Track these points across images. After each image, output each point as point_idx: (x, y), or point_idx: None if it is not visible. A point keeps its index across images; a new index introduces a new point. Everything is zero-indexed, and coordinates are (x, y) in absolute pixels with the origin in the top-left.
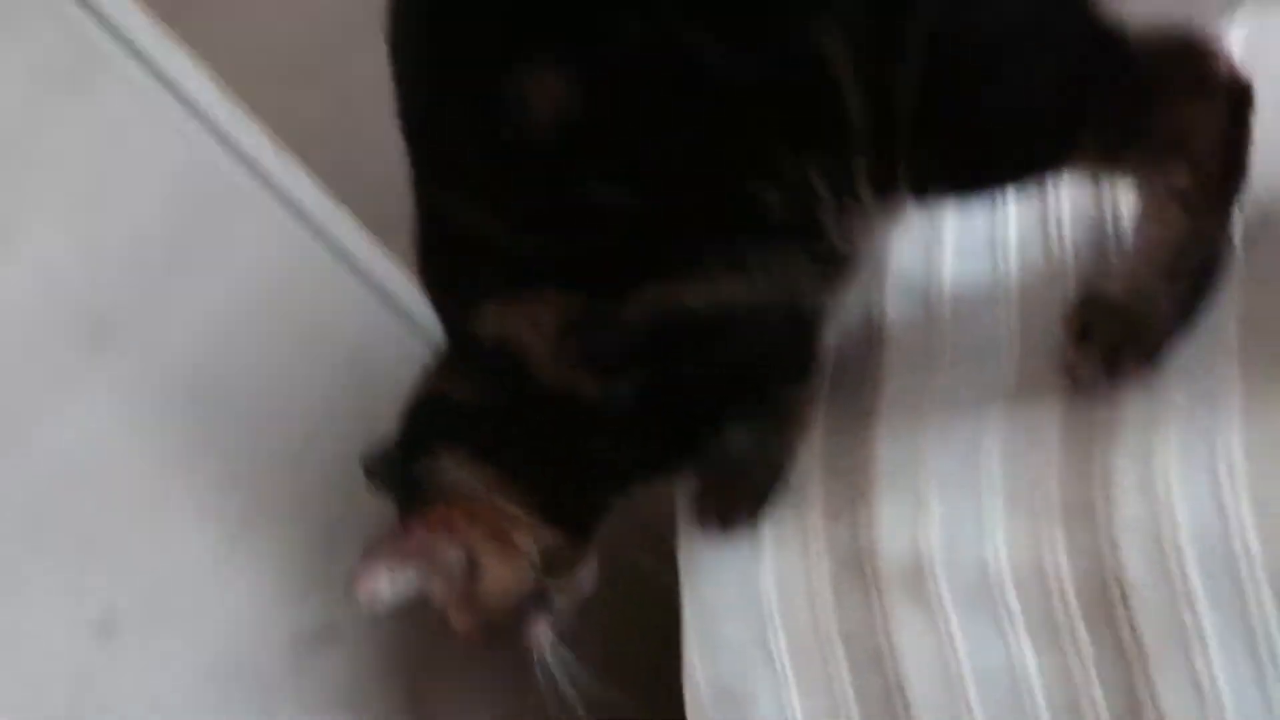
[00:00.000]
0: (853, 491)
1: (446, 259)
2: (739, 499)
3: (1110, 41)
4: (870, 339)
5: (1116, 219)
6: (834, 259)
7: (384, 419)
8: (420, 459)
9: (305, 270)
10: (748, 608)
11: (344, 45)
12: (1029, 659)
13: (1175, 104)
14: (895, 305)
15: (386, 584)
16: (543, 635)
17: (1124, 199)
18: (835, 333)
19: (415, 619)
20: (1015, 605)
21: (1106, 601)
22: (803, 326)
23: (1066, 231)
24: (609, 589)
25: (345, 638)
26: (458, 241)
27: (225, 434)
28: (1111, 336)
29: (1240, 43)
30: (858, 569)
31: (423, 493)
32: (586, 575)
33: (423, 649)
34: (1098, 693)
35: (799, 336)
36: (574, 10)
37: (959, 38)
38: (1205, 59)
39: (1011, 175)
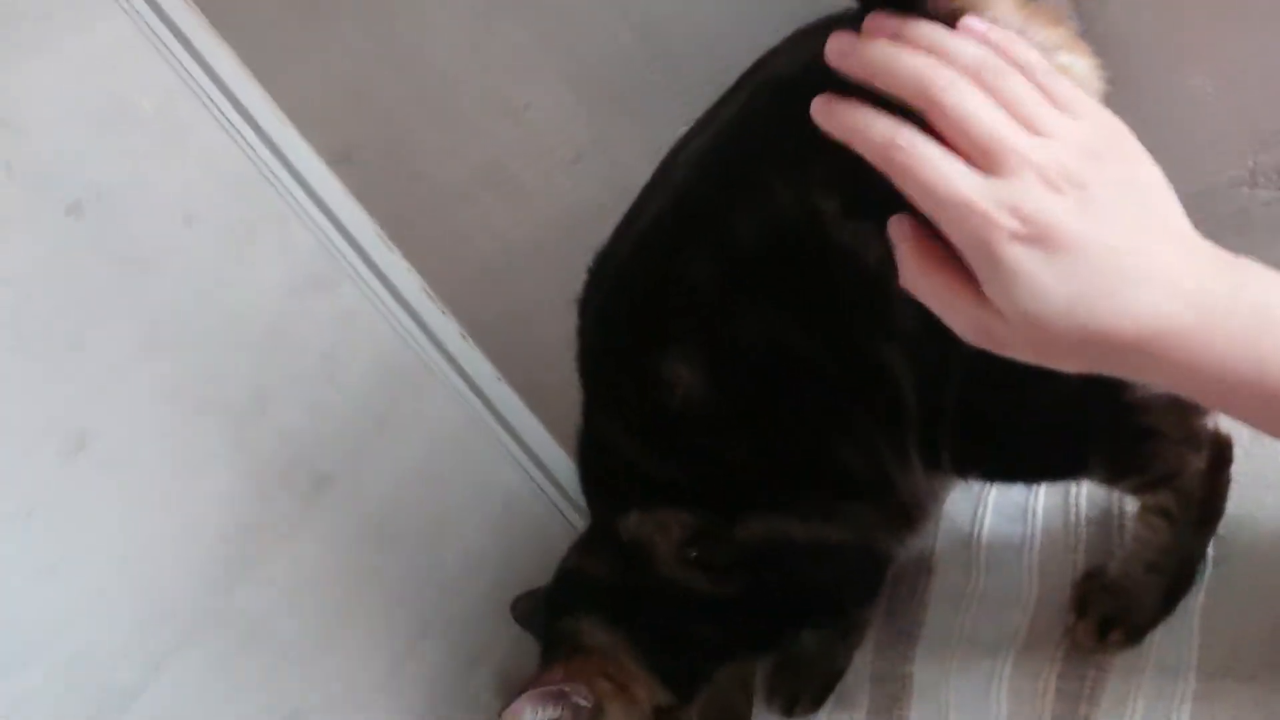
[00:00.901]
0: (893, 699)
1: (604, 470)
2: (802, 690)
3: (1115, 395)
4: (921, 570)
5: (1123, 511)
6: (903, 515)
7: (525, 564)
8: (564, 618)
9: (475, 435)
10: None
11: (527, 270)
12: None
13: (1167, 450)
14: (944, 546)
15: (528, 716)
16: None
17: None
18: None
19: None
20: None
21: None
22: (875, 565)
23: (1084, 512)
24: None
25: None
26: (614, 461)
27: (398, 568)
28: (1104, 611)
29: None
30: None
31: (565, 645)
32: None
33: None
34: None
35: (871, 572)
36: (703, 317)
37: (989, 377)
38: (1196, 416)
39: (1028, 479)
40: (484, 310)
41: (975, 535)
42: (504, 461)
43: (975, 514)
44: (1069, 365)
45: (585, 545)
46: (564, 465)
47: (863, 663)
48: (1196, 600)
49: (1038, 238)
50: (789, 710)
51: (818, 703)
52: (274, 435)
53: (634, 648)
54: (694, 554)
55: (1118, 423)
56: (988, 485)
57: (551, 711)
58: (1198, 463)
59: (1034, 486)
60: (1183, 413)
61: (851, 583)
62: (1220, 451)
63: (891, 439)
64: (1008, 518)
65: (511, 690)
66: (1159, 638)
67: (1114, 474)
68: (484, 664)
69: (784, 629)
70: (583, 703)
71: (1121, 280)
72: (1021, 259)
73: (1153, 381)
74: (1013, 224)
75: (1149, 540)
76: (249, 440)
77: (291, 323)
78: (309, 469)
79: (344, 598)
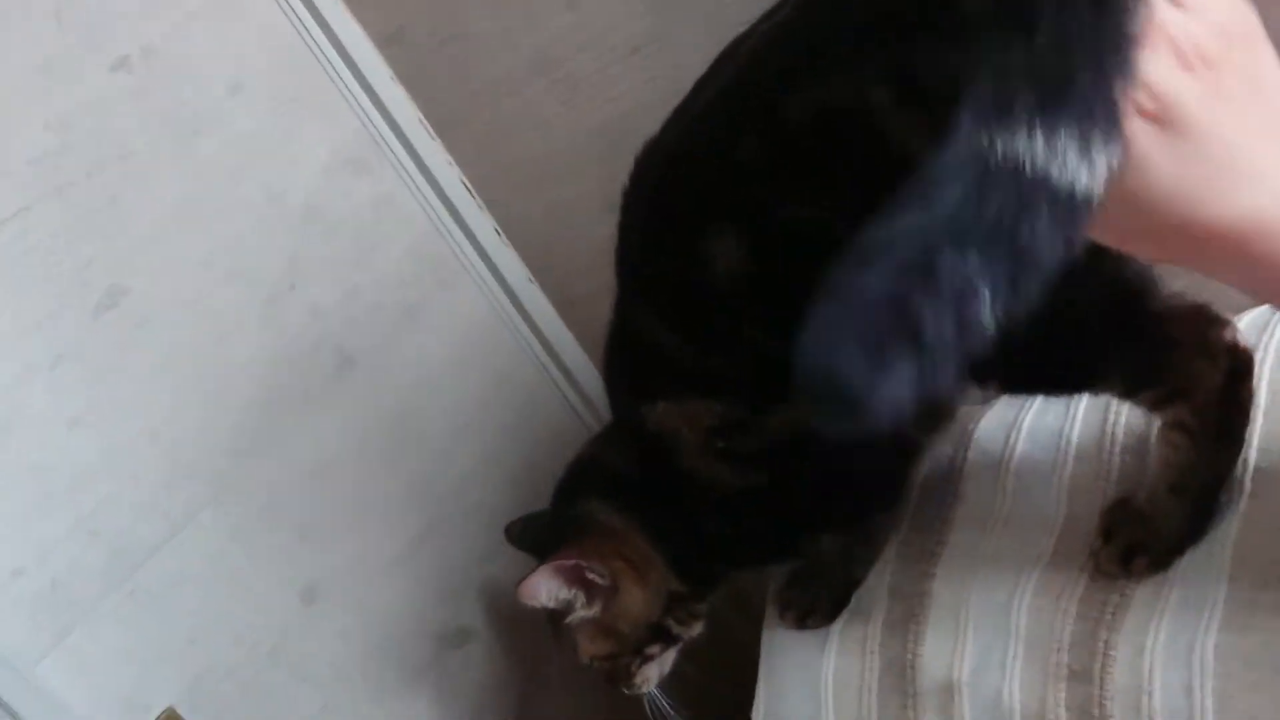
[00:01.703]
0: (909, 613)
1: (632, 360)
2: (817, 601)
3: (1136, 305)
4: (947, 492)
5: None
6: (929, 412)
7: (540, 468)
8: (576, 503)
9: (502, 333)
10: (809, 690)
11: (571, 168)
12: None
13: (1184, 361)
14: (973, 471)
15: (544, 591)
16: (652, 676)
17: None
18: (920, 480)
19: (535, 641)
20: None
21: None
22: (902, 458)
23: (1119, 441)
24: (704, 650)
25: (478, 642)
26: (646, 353)
27: (418, 457)
28: (1130, 538)
29: None
30: (901, 676)
31: (577, 528)
32: (698, 624)
33: (537, 664)
34: None
35: (898, 467)
36: (747, 196)
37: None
38: (1213, 325)
39: (1045, 389)
40: (522, 209)
41: (1006, 460)
42: (529, 364)
43: (1007, 440)
44: (1146, 251)
45: (603, 438)
46: (589, 374)
47: (881, 576)
48: (1229, 530)
49: (1161, 117)
50: (802, 621)
51: (833, 614)
52: (303, 312)
53: (649, 535)
54: (722, 444)
55: (1138, 332)
56: (1023, 411)
57: (567, 590)
58: (1214, 375)
59: (1071, 412)
60: (1202, 324)
61: (877, 478)
62: (1238, 365)
63: None
64: (1041, 444)
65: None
66: (1186, 566)
67: (1131, 386)
68: (497, 559)
69: (803, 532)
70: (600, 581)
71: (1234, 175)
72: (1138, 136)
73: (1228, 279)
74: (1138, 98)
75: (1170, 459)
76: (278, 315)
77: (328, 202)
78: (335, 349)
79: (363, 481)
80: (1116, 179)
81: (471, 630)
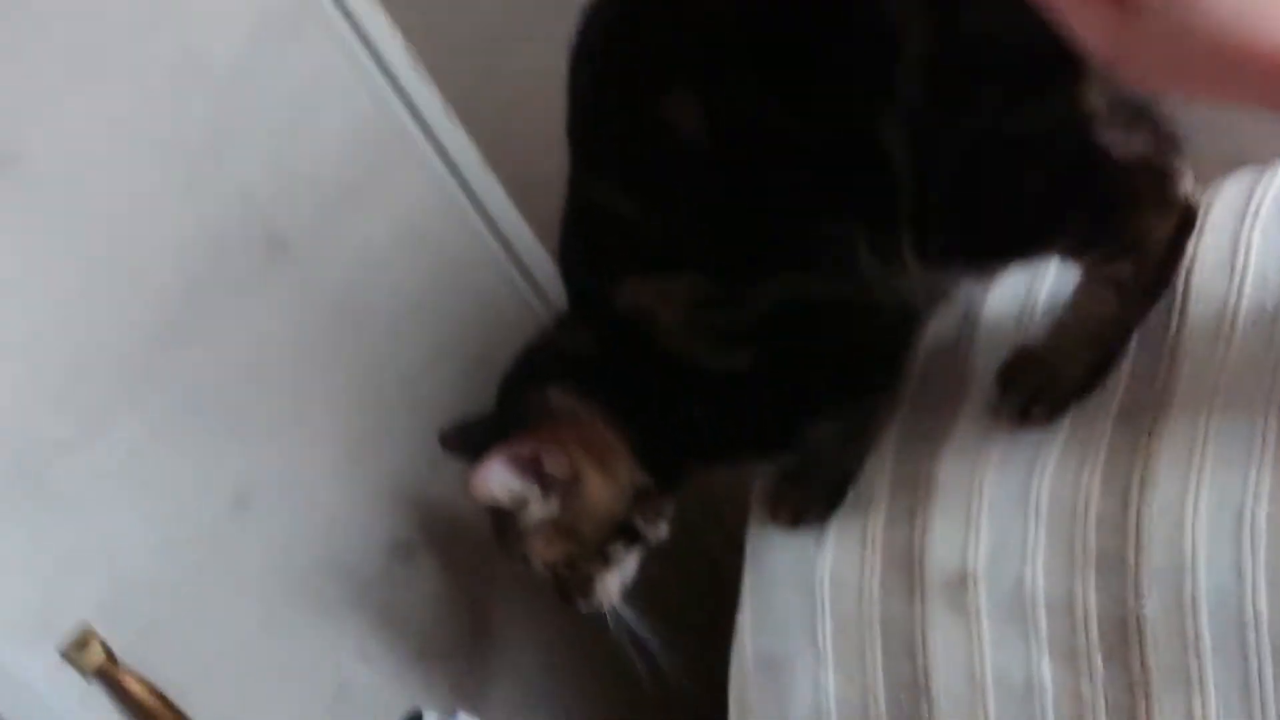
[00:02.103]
0: (914, 502)
1: (593, 238)
2: (811, 497)
3: (1096, 158)
4: (952, 373)
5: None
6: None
7: (493, 364)
8: (527, 389)
9: (450, 219)
10: (803, 589)
11: (522, 34)
12: (1046, 675)
13: (1140, 214)
14: (983, 348)
15: (496, 482)
16: (613, 587)
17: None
18: (921, 361)
19: (491, 554)
20: (1043, 626)
21: (1124, 638)
22: (899, 334)
23: None
24: (672, 561)
25: (429, 554)
26: (608, 226)
27: (361, 352)
28: (1028, 386)
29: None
30: (906, 569)
31: (535, 416)
32: (664, 525)
33: (493, 579)
34: (1102, 716)
35: (894, 342)
36: (707, 58)
37: (994, 143)
38: (1169, 178)
39: (1007, 254)
40: (472, 86)
41: (1024, 324)
42: (480, 253)
43: (1021, 313)
44: (1190, 88)
45: (558, 325)
46: (546, 266)
47: (879, 465)
48: (1271, 389)
49: None
50: (797, 520)
51: (830, 510)
52: (230, 188)
53: (614, 422)
54: (703, 322)
55: (1101, 185)
56: (1036, 283)
57: (522, 482)
58: (1165, 229)
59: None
60: (1160, 176)
61: (873, 353)
62: (1188, 219)
63: (875, 224)
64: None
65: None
66: (1225, 428)
67: (1085, 240)
68: (449, 464)
69: (793, 419)
70: (559, 473)
71: None
72: None
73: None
74: None
75: (1092, 313)
76: (202, 189)
77: (257, 67)
78: (266, 230)
79: (300, 377)
80: (1172, 10)
81: (421, 542)
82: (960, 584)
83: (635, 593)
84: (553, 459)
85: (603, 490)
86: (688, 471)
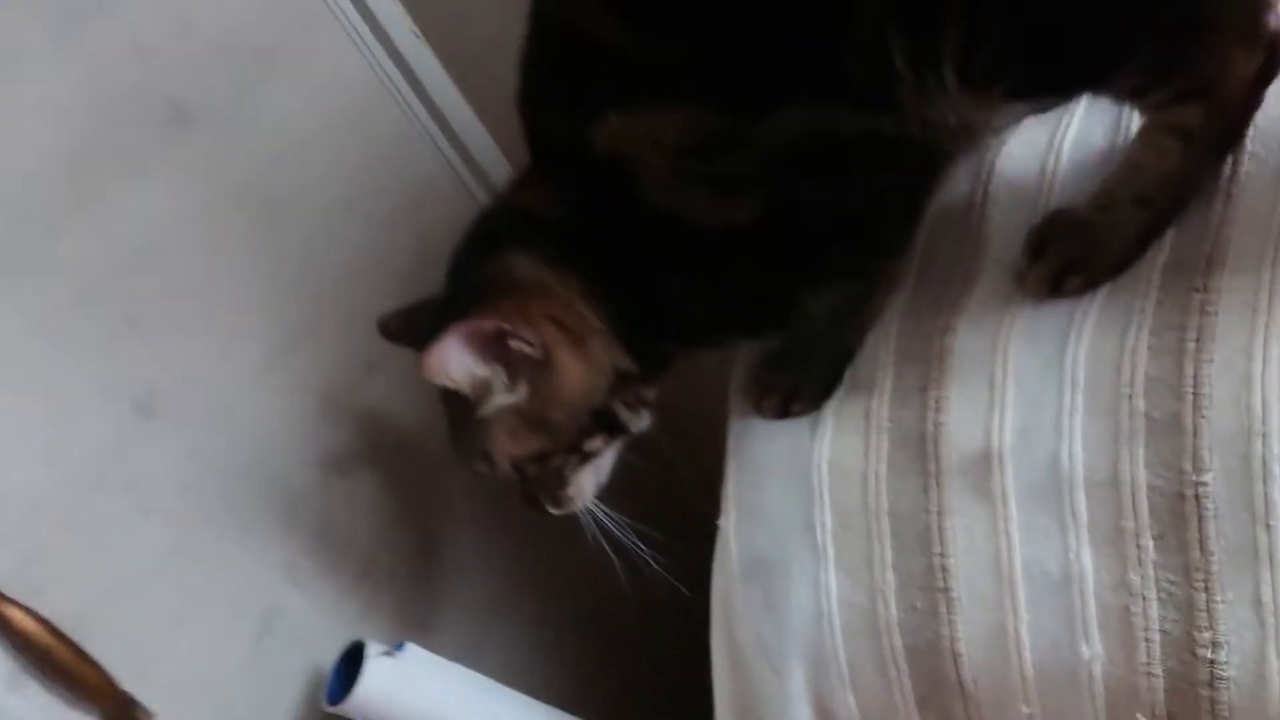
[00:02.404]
0: (925, 378)
1: (566, 71)
2: (803, 380)
3: None
4: (967, 235)
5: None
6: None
7: (432, 256)
8: (492, 261)
9: (379, 93)
10: (797, 480)
11: None
12: (1086, 564)
13: (1222, 46)
14: (1000, 207)
15: (455, 363)
16: (588, 485)
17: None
18: (927, 227)
19: (443, 465)
20: (1082, 508)
21: (1180, 516)
22: (922, 179)
23: None
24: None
25: (370, 468)
26: (584, 54)
27: (283, 243)
28: (1064, 254)
29: None
30: (918, 453)
31: (498, 288)
32: (647, 414)
33: (441, 492)
34: (1154, 607)
35: (916, 189)
36: None
37: None
38: (1260, 9)
39: (1061, 82)
40: None
41: (1042, 195)
42: (415, 133)
43: (1044, 168)
44: None
45: (520, 184)
46: (486, 148)
47: (882, 340)
48: None
49: None
50: (785, 408)
51: (824, 395)
52: (119, 46)
53: (590, 294)
54: (699, 165)
55: (1181, 6)
56: (1059, 132)
57: (485, 365)
58: (1247, 68)
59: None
60: (1253, 6)
61: (894, 201)
62: (1272, 60)
63: (918, 43)
64: (1089, 163)
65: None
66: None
67: (1157, 71)
68: (388, 366)
69: (796, 285)
70: (529, 351)
71: None
72: None
73: None
74: None
75: (1149, 168)
76: (89, 45)
77: None
78: (166, 97)
79: (212, 268)
80: None
81: (359, 453)
82: (983, 466)
83: (612, 490)
84: (520, 337)
85: (579, 373)
86: (673, 353)
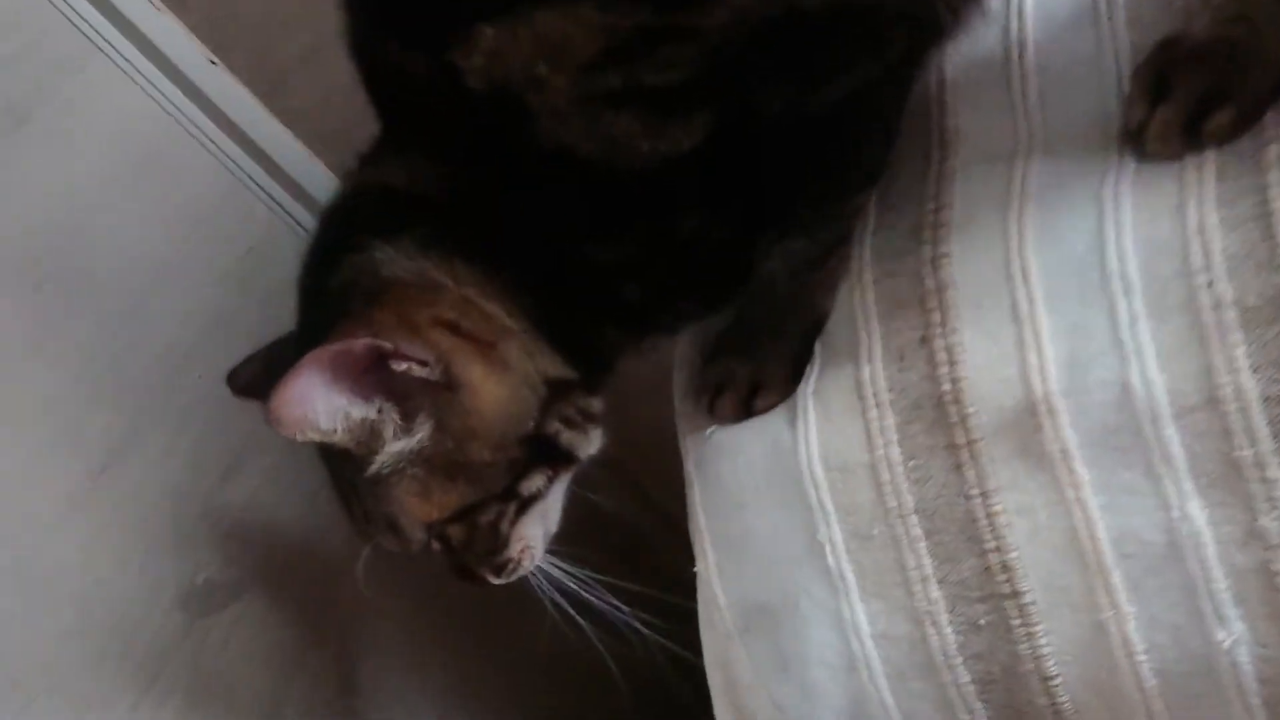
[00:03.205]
0: (924, 326)
1: None
2: (764, 368)
3: None
4: (932, 137)
5: None
6: None
7: (286, 313)
8: (350, 261)
9: (179, 136)
10: (784, 494)
11: None
12: (1198, 519)
13: None
14: (965, 91)
15: (318, 408)
16: (536, 538)
17: None
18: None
19: (337, 568)
20: (1175, 447)
21: None
22: (904, 72)
23: None
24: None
25: (251, 588)
26: None
27: (84, 329)
28: (1199, 85)
29: None
30: (938, 422)
31: (363, 295)
32: (595, 431)
33: (351, 588)
34: None
35: (897, 85)
36: None
37: None
38: None
39: None
40: None
41: (1015, 58)
42: (225, 169)
43: (1008, 31)
44: None
45: (373, 154)
46: (319, 176)
47: (858, 293)
48: None
49: None
50: (746, 405)
51: (795, 379)
52: None
53: (490, 282)
54: (619, 79)
55: None
56: None
57: (361, 400)
58: None
59: None
60: None
61: (877, 100)
62: None
63: None
64: (1064, 14)
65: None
66: None
67: None
68: (247, 456)
69: (753, 235)
70: (418, 371)
71: None
72: None
73: None
74: None
75: None
76: None
77: None
78: None
79: None
80: None
81: (234, 576)
82: (1028, 421)
83: (569, 538)
84: (406, 355)
85: (495, 391)
86: (616, 343)
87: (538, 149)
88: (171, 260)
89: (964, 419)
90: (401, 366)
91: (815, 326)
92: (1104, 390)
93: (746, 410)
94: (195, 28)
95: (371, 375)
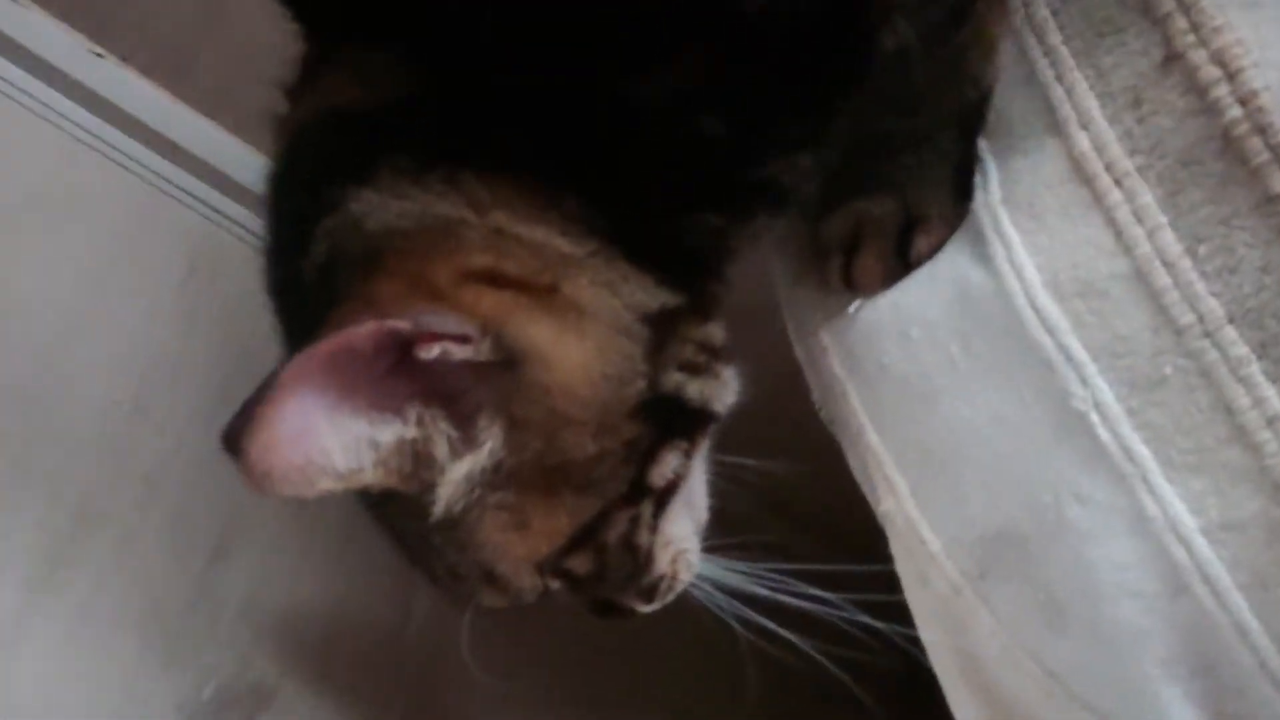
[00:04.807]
0: (1161, 39)
1: None
2: (919, 197)
3: None
4: None
5: None
6: None
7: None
8: (313, 235)
9: (80, 153)
10: (1004, 363)
11: None
12: None
13: None
14: None
15: (326, 439)
16: (685, 537)
17: None
18: None
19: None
20: None
21: None
22: None
23: None
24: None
25: (284, 690)
26: None
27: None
28: None
29: None
30: (1230, 170)
31: (351, 267)
32: (726, 370)
33: (431, 680)
34: None
35: None
36: None
37: None
38: None
39: None
40: None
41: None
42: (149, 183)
43: None
44: None
45: (302, 83)
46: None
47: (1031, 32)
48: None
49: None
50: (902, 253)
51: (963, 195)
52: None
53: (526, 189)
54: None
55: None
56: None
57: (388, 419)
58: None
59: None
60: None
61: None
62: None
63: None
64: None
65: None
66: None
67: None
68: (236, 537)
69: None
70: (459, 352)
71: None
72: None
73: None
74: None
75: None
76: None
77: None
78: None
79: None
80: None
81: (259, 680)
82: None
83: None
84: (435, 334)
85: (577, 350)
86: (718, 240)
87: None
88: (89, 304)
89: (1276, 151)
90: (433, 351)
91: (975, 113)
92: None
93: (902, 261)
94: (66, 16)
95: (395, 376)
